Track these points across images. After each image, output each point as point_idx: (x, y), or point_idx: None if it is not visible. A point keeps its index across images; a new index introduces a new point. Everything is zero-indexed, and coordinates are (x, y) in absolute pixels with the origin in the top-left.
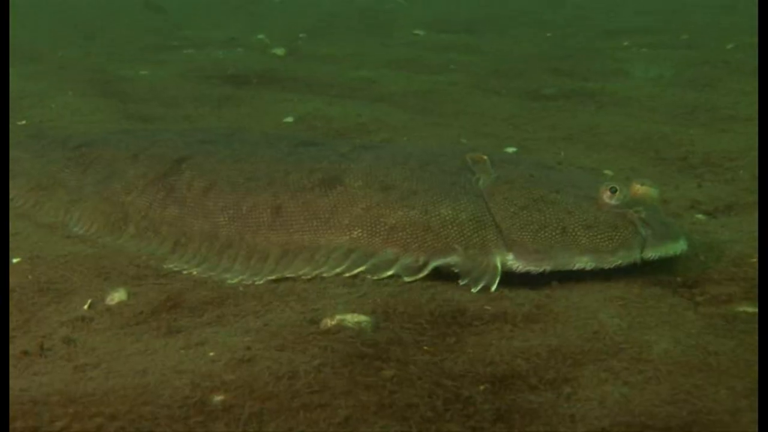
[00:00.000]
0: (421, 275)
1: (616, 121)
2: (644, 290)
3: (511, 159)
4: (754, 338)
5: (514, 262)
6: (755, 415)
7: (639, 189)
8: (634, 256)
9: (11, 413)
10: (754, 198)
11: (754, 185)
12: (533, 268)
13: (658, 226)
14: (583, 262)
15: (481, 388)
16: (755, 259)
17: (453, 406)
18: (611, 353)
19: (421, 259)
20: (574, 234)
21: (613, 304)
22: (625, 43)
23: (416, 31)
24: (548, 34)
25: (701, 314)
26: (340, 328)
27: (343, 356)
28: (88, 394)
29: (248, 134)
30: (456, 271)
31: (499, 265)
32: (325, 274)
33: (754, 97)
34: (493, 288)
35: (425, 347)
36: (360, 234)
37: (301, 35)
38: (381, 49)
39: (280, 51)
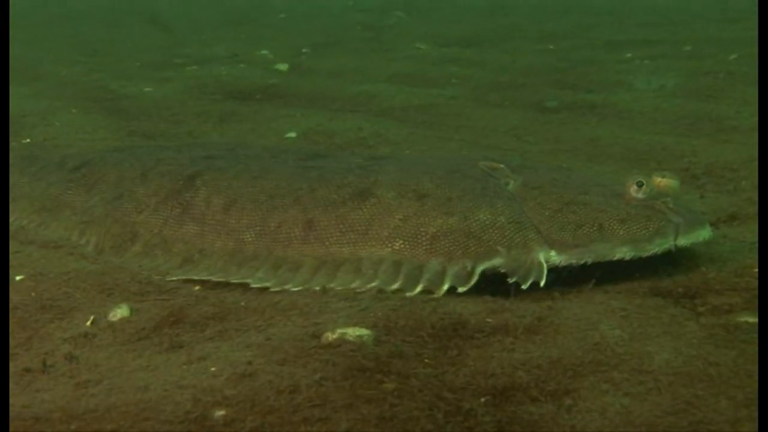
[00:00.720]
0: (472, 282)
1: (619, 132)
2: (645, 301)
3: (526, 165)
4: (756, 348)
5: (557, 257)
6: (755, 425)
7: (661, 181)
8: (670, 242)
9: (13, 430)
10: (756, 208)
11: (757, 195)
12: (575, 261)
13: (687, 214)
14: (623, 252)
15: (482, 400)
16: (757, 269)
17: (454, 419)
18: (612, 364)
19: (468, 266)
20: (611, 228)
21: (615, 315)
22: (628, 55)
23: (418, 45)
24: (550, 47)
25: (702, 324)
26: (342, 341)
27: (344, 370)
28: (90, 410)
29: (249, 148)
30: (503, 271)
31: (543, 261)
32: (385, 287)
33: (757, 107)
34: (542, 283)
35: (426, 360)
36: (402, 245)
37: (304, 50)
38: (383, 63)
39: (283, 66)
